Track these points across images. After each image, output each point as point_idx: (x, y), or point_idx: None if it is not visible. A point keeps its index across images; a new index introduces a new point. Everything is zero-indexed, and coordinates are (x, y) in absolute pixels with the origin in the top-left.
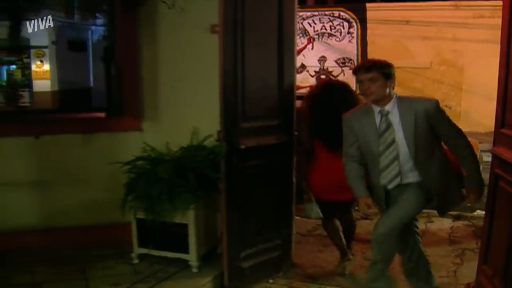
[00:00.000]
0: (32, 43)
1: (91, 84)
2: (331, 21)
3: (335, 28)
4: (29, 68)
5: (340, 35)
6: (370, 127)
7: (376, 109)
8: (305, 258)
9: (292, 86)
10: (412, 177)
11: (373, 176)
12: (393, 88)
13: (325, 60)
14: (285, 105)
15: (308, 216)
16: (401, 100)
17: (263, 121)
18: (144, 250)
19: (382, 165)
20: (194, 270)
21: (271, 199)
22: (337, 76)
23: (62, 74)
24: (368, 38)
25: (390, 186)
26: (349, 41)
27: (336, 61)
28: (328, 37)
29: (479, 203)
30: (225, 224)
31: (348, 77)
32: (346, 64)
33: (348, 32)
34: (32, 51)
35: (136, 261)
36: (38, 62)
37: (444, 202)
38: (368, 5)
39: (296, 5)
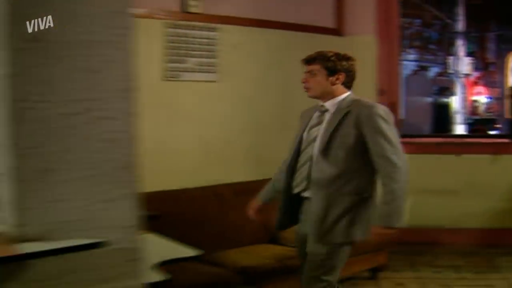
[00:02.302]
0: None
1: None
2: None
3: None
4: None
5: None
6: (305, 121)
7: (319, 104)
8: None
9: None
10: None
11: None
12: (346, 85)
13: None
14: None
15: None
16: (349, 100)
17: None
18: None
19: (299, 164)
20: None
21: None
22: None
23: None
24: None
25: (296, 190)
26: None
27: None
28: None
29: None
30: None
31: None
32: None
33: None
34: None
35: None
36: None
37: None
38: None
39: None
